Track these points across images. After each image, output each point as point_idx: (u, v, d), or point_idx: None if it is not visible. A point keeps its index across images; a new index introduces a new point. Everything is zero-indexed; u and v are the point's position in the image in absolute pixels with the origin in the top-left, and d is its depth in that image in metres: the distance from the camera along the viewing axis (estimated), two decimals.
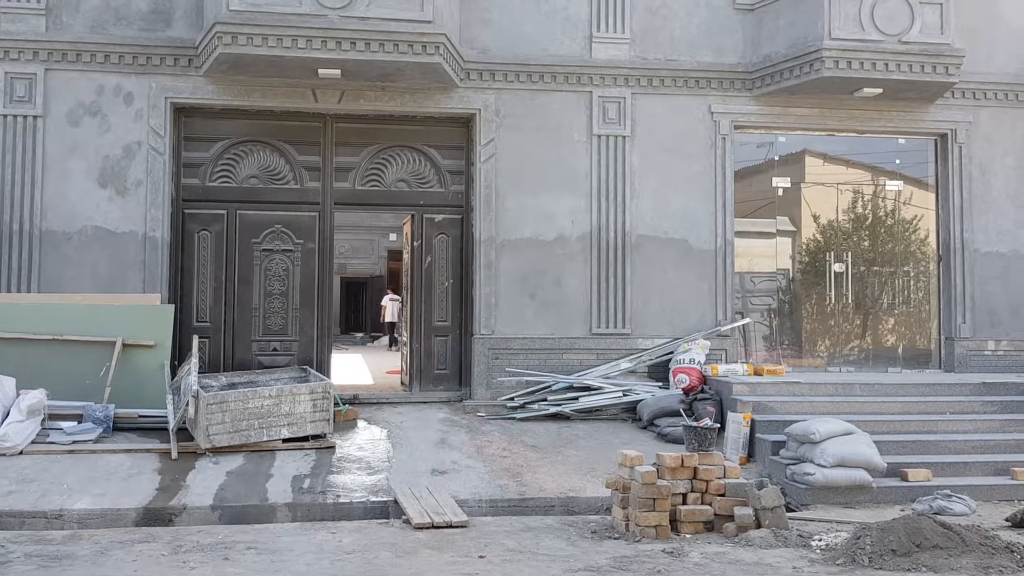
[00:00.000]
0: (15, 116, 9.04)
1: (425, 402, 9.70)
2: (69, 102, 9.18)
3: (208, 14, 8.94)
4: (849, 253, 10.63)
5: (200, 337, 9.10)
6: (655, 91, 10.05)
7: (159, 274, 9.17)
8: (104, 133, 9.23)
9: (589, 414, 9.29)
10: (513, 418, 9.15)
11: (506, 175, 9.80)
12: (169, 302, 9.15)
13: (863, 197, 10.74)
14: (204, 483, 7.04)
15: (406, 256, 10.47)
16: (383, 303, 21.15)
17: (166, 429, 7.87)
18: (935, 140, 10.66)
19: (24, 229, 8.99)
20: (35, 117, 9.08)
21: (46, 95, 9.12)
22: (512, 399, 9.40)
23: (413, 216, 10.11)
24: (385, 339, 21.34)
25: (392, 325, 21.25)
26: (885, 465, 7.23)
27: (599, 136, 9.93)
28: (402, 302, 21.32)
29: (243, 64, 8.96)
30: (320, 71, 9.12)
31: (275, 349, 9.66)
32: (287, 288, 9.72)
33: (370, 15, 8.77)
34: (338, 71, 9.13)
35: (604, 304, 9.81)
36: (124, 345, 8.48)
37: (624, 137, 9.96)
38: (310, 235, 9.80)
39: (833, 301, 10.58)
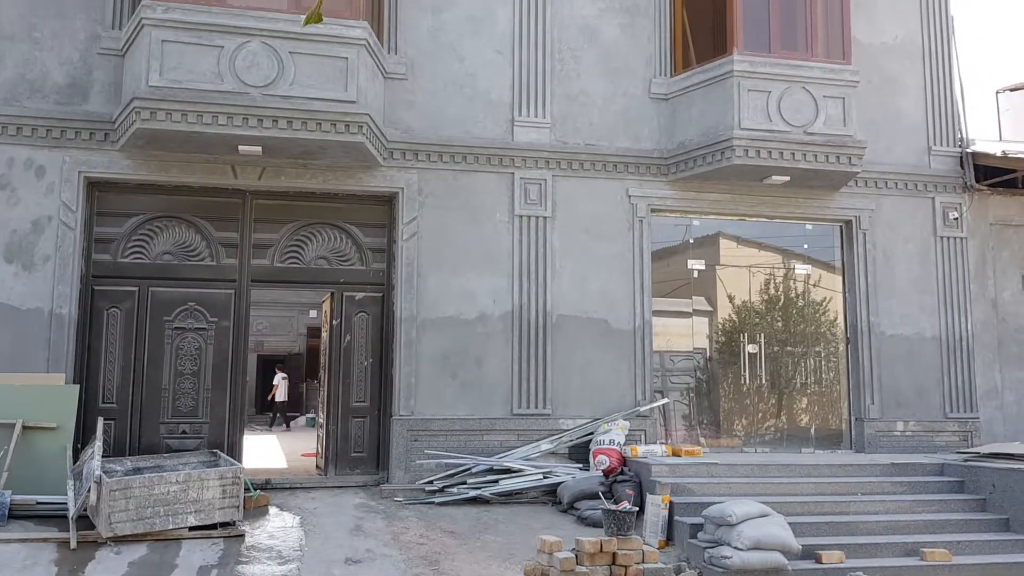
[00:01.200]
0: None
1: (341, 486, 9.45)
2: None
3: (127, 89, 8.84)
4: (763, 334, 10.91)
5: (106, 419, 8.73)
6: (575, 174, 10.27)
7: (65, 353, 8.82)
8: (13, 207, 8.94)
9: (509, 497, 9.17)
10: (432, 502, 8.97)
11: (428, 254, 9.83)
12: (74, 382, 8.79)
13: (775, 279, 11.10)
14: (104, 575, 6.67)
15: (325, 335, 10.32)
16: (275, 382, 20.67)
17: (66, 517, 7.48)
18: (841, 226, 11.12)
19: None
20: None
21: None
22: (431, 482, 9.23)
23: (333, 294, 10.01)
24: (301, 418, 20.83)
25: (283, 404, 20.70)
26: (799, 547, 7.30)
27: (521, 216, 10.06)
28: (310, 381, 20.88)
29: (161, 139, 8.85)
30: (241, 148, 9.06)
31: (184, 432, 9.32)
32: (199, 368, 9.45)
33: (293, 93, 8.80)
34: (259, 148, 9.09)
35: (525, 384, 9.81)
36: (24, 427, 8.09)
37: (545, 218, 10.12)
38: (225, 313, 9.59)
39: (748, 381, 10.80)
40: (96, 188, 9.37)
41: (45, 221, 8.99)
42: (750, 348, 10.81)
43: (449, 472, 9.30)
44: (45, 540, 7.27)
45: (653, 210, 10.45)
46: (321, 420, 10.32)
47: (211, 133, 8.67)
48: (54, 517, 7.73)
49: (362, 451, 9.76)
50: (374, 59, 9.37)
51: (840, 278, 11.10)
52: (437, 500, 8.98)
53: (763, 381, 10.84)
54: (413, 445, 9.44)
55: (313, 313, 20.61)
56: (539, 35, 10.36)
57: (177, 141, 8.90)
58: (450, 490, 9.12)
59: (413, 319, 9.67)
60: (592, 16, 10.57)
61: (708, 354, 10.87)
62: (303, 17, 8.81)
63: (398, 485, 9.29)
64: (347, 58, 8.99)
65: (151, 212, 9.54)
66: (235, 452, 9.25)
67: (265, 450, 13.74)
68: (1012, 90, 12.93)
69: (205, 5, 8.76)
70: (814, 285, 11.15)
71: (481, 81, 10.19)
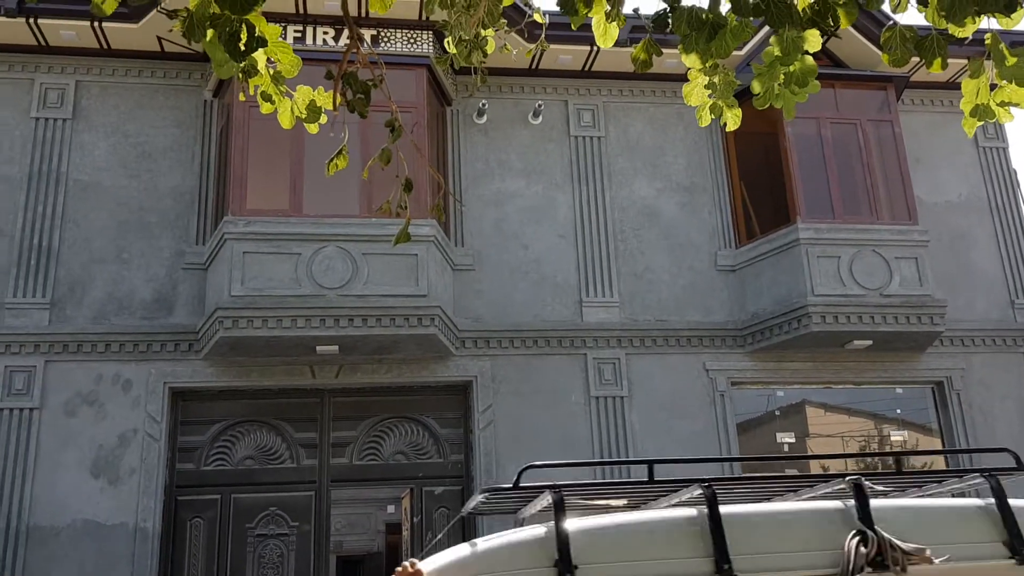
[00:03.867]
0: (11, 409, 8.97)
1: None
2: (67, 393, 9.14)
3: (210, 300, 9.18)
4: None
5: None
6: (648, 351, 10.18)
7: (148, 568, 8.69)
8: (100, 422, 9.13)
9: None
10: None
11: (505, 442, 9.67)
12: None
13: (870, 447, 10.59)
14: None
15: (406, 533, 10.05)
16: None
17: None
18: (932, 387, 10.70)
19: (11, 526, 8.62)
20: (31, 410, 9.01)
21: (44, 387, 9.10)
22: None
23: (412, 490, 9.82)
24: None
25: None
26: None
27: (596, 398, 9.92)
28: None
29: (243, 346, 9.08)
30: (318, 348, 9.23)
31: None
32: None
33: (367, 292, 9.04)
34: (336, 347, 9.25)
35: None
36: None
37: (622, 398, 9.96)
38: (306, 516, 9.44)
39: None
40: (180, 398, 9.55)
41: (131, 434, 9.13)
42: None
43: None
44: None
45: (733, 383, 10.22)
46: None
47: (290, 336, 8.89)
48: None
49: None
50: (442, 253, 9.64)
51: (939, 441, 10.55)
52: None
53: None
54: None
55: (391, 508, 19.94)
56: (600, 218, 10.60)
57: (258, 346, 9.12)
58: None
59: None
60: (651, 197, 10.82)
61: None
62: (374, 220, 9.23)
63: None
64: (417, 255, 9.27)
65: (233, 418, 9.65)
66: None
67: None
68: None
69: (283, 217, 9.23)
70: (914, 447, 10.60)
71: (546, 266, 10.36)
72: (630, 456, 9.71)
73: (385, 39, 9.95)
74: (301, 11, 9.75)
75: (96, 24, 9.73)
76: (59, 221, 9.64)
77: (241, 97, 4.59)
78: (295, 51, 3.86)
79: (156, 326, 9.46)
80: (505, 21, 4.27)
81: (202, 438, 9.55)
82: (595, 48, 10.50)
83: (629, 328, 10.18)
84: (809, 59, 3.74)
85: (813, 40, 3.62)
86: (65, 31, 9.84)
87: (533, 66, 10.84)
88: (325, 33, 9.89)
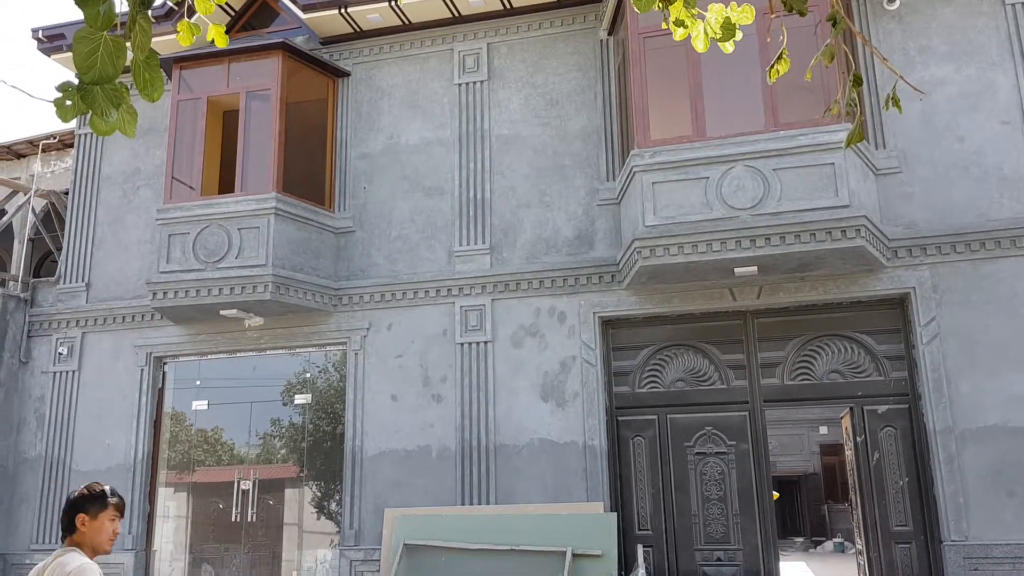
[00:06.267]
0: (470, 343, 10.19)
1: None
2: (512, 326, 10.14)
3: (626, 232, 9.51)
4: None
5: (643, 546, 9.05)
6: None
7: (600, 482, 9.42)
8: (542, 351, 10.00)
9: None
10: None
11: (955, 356, 8.80)
12: (610, 510, 9.32)
13: None
14: None
15: (849, 453, 9.67)
16: None
17: None
18: None
19: (481, 444, 9.87)
20: (485, 343, 10.15)
21: (494, 322, 10.19)
22: None
23: (852, 409, 9.39)
24: (829, 544, 19.52)
25: None
26: None
27: None
28: (830, 503, 19.30)
29: (661, 273, 9.29)
30: (736, 270, 9.13)
31: (719, 559, 9.25)
32: (724, 493, 9.41)
33: (782, 209, 8.70)
34: (754, 268, 9.07)
35: None
36: (573, 555, 8.71)
37: None
38: (742, 436, 9.51)
39: None
40: (609, 326, 10.10)
41: (570, 361, 9.88)
42: None
43: None
44: None
45: None
46: (859, 546, 9.55)
47: (706, 261, 8.88)
48: None
49: None
50: (862, 158, 8.95)
51: None
52: None
53: None
54: (972, 575, 8.25)
55: (823, 429, 19.27)
56: None
57: (675, 273, 9.27)
58: None
59: (949, 431, 8.63)
60: None
61: None
62: (782, 133, 8.82)
63: None
64: (833, 163, 8.69)
65: (659, 343, 9.98)
66: None
67: None
68: None
69: (687, 143, 9.18)
70: None
71: (989, 158, 9.14)
72: None
73: None
74: None
75: None
76: (488, 174, 10.62)
77: (664, 26, 4.58)
78: None
79: (580, 261, 10.07)
80: None
81: (633, 362, 10.02)
82: None
83: None
84: None
85: None
86: None
87: None
88: None
